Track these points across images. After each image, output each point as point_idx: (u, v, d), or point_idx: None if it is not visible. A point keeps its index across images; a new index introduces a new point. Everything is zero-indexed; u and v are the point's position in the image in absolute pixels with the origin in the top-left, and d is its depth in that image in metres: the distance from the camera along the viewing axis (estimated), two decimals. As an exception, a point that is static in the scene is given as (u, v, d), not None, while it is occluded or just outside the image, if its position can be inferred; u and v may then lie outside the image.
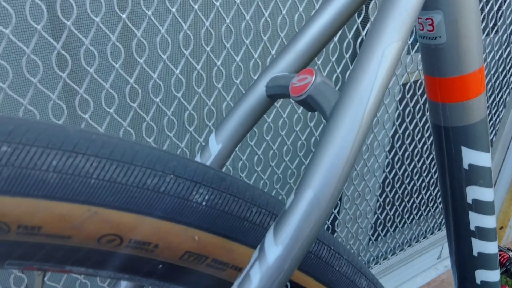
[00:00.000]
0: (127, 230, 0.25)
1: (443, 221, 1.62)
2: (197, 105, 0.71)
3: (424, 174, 1.34)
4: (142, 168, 0.25)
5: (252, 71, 0.73)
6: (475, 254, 0.43)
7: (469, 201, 0.40)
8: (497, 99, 1.41)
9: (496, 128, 1.54)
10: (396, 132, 1.12)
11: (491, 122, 1.48)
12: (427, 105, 1.13)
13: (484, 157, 0.38)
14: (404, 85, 1.06)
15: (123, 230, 0.25)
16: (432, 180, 1.40)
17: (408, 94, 1.07)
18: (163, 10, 0.61)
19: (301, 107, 0.87)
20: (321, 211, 0.25)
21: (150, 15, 0.57)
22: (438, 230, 1.62)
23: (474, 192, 0.40)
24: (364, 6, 0.81)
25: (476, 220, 0.41)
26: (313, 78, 0.30)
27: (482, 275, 0.44)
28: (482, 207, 0.40)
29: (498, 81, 1.35)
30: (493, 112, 1.44)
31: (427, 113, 1.15)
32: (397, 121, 1.10)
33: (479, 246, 0.42)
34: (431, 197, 1.46)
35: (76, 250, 0.26)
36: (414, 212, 1.44)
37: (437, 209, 1.55)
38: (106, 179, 0.24)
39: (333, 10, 0.34)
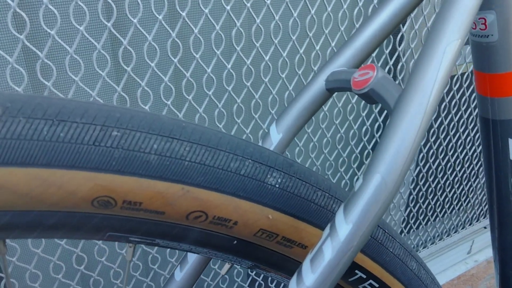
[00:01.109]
0: (213, 207, 0.28)
1: (474, 215, 1.62)
2: (263, 94, 0.75)
3: (458, 168, 1.35)
4: (225, 153, 0.28)
5: (313, 62, 0.76)
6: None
7: (515, 191, 0.42)
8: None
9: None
10: (431, 126, 1.13)
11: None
12: (468, 98, 1.14)
13: (531, 149, 0.40)
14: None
15: (209, 207, 0.28)
16: (465, 175, 1.40)
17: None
18: (219, 8, 0.64)
19: (355, 99, 0.89)
20: (387, 193, 0.27)
21: (207, 12, 0.60)
22: (469, 225, 1.62)
23: (520, 183, 0.41)
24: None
25: (521, 209, 0.43)
26: (375, 73, 0.32)
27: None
28: (527, 197, 0.42)
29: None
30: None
31: (463, 108, 1.16)
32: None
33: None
34: (463, 191, 1.46)
35: (166, 225, 0.29)
36: (446, 206, 1.44)
37: (469, 204, 1.55)
38: (197, 162, 0.27)
39: (392, 8, 0.36)
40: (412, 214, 1.33)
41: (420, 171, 1.21)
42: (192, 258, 0.42)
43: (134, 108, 0.28)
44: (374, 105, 0.95)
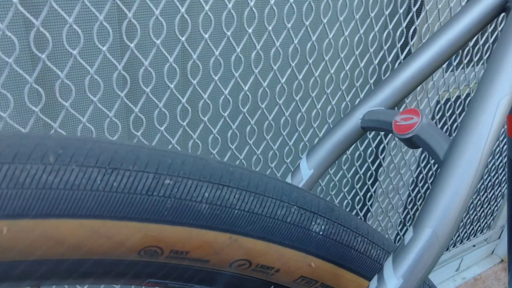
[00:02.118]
0: (257, 255, 0.27)
1: (465, 235, 1.63)
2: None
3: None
4: (273, 200, 0.27)
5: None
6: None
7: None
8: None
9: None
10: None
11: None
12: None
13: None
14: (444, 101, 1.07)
15: (254, 256, 0.27)
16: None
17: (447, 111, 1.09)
18: (240, 30, 0.63)
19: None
20: (439, 247, 0.26)
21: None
22: (460, 243, 1.63)
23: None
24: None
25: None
26: (420, 119, 0.31)
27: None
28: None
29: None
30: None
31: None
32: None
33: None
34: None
35: (207, 272, 0.28)
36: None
37: (461, 223, 1.55)
38: (246, 210, 0.26)
39: (435, 49, 0.35)
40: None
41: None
42: None
43: (182, 152, 0.27)
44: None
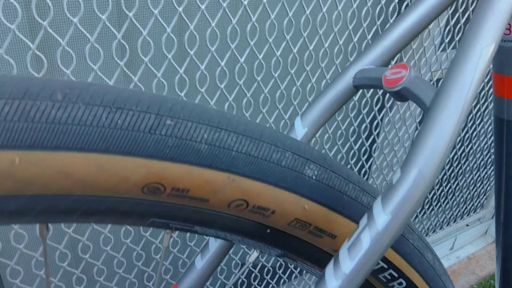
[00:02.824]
0: (254, 196, 0.29)
1: (459, 213, 1.66)
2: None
3: (447, 167, 1.37)
4: (268, 144, 0.29)
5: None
6: (524, 237, 0.46)
7: (524, 188, 0.43)
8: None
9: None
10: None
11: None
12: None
13: (543, 149, 0.41)
14: (437, 80, 1.09)
15: (251, 196, 0.29)
16: (453, 173, 1.42)
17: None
18: (235, 3, 0.64)
19: (357, 97, 0.91)
20: (425, 186, 0.28)
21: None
22: (454, 222, 1.65)
23: (529, 181, 0.43)
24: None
25: (529, 206, 0.44)
26: (408, 72, 0.33)
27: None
28: (536, 195, 0.43)
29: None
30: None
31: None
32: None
33: (529, 230, 0.46)
34: (450, 190, 1.48)
35: (207, 212, 0.29)
36: (434, 203, 1.47)
37: (455, 202, 1.58)
38: (243, 152, 0.28)
39: (423, 9, 0.37)
40: None
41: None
42: (214, 246, 0.42)
43: (181, 99, 0.28)
44: (374, 105, 0.96)
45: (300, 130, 0.41)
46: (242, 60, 0.65)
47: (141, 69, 0.56)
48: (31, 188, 0.23)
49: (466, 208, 1.66)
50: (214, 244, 0.42)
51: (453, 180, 1.45)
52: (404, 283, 0.39)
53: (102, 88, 0.25)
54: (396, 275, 0.38)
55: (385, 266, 0.37)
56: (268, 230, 0.32)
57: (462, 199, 1.60)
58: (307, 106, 0.41)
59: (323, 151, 0.93)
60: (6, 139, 0.22)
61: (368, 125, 0.96)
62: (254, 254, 0.39)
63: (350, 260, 0.28)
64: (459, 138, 1.30)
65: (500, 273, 0.52)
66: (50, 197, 0.24)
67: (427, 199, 1.41)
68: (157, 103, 0.26)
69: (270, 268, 1.01)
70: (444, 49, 1.03)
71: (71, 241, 0.72)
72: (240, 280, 1.03)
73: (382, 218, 0.28)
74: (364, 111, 0.91)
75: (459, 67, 0.30)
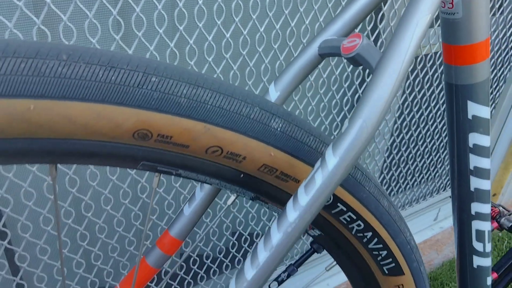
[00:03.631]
0: (228, 143, 0.34)
1: (441, 185, 1.72)
2: (256, 63, 0.80)
3: (428, 140, 1.42)
4: (239, 100, 0.34)
5: (303, 35, 0.81)
6: (472, 189, 0.52)
7: (471, 145, 0.49)
8: (498, 75, 1.48)
9: (496, 102, 1.61)
10: (406, 100, 1.20)
11: (492, 96, 1.55)
12: (435, 75, 1.21)
13: (485, 110, 0.47)
14: (415, 57, 1.13)
15: (225, 144, 0.34)
16: (434, 146, 1.48)
17: (419, 66, 1.15)
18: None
19: (338, 71, 0.95)
20: (367, 134, 0.33)
21: None
22: (437, 193, 1.71)
23: (474, 138, 0.48)
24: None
25: (475, 161, 0.49)
26: (361, 40, 0.38)
27: (476, 207, 0.53)
28: (480, 151, 0.49)
29: (500, 58, 1.41)
30: (493, 86, 1.51)
31: (435, 84, 1.23)
32: (407, 90, 1.18)
33: (475, 183, 0.51)
34: (432, 162, 1.54)
35: (188, 158, 0.35)
36: (417, 175, 1.53)
37: (437, 174, 1.64)
38: (217, 106, 0.33)
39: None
40: (385, 180, 1.41)
41: (394, 141, 1.29)
42: (199, 195, 0.48)
43: (165, 61, 0.33)
44: (355, 79, 1.01)
45: (273, 94, 0.46)
46: (228, 35, 0.70)
47: (135, 43, 0.61)
48: (43, 131, 0.28)
49: (449, 179, 1.72)
50: (200, 193, 0.48)
51: (435, 152, 1.51)
52: (362, 225, 0.44)
53: (99, 51, 0.30)
54: (354, 217, 0.44)
55: (344, 209, 0.43)
56: (242, 175, 0.38)
57: (444, 171, 1.66)
58: (280, 73, 0.46)
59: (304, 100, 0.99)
60: (22, 90, 0.27)
61: (350, 98, 1.01)
62: (231, 198, 0.44)
63: (306, 195, 0.34)
64: (439, 112, 1.35)
65: (457, 225, 0.58)
66: (57, 140, 0.30)
67: (410, 171, 1.47)
68: (144, 63, 0.31)
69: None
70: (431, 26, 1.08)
71: (75, 200, 0.77)
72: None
73: (331, 160, 0.33)
74: (346, 85, 0.96)
75: (399, 35, 0.35)
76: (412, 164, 1.46)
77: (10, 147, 0.29)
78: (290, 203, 0.34)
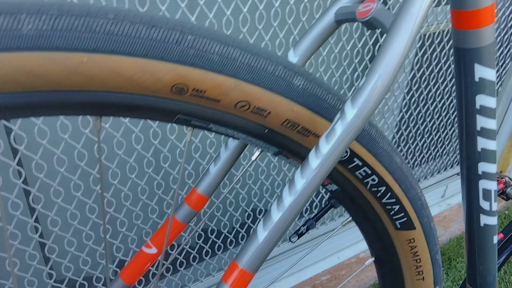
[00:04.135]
0: (255, 98, 0.37)
1: (449, 162, 1.74)
2: (271, 38, 0.83)
3: (436, 117, 1.45)
4: (265, 59, 0.37)
5: (316, 11, 0.83)
6: (479, 149, 0.54)
7: (477, 107, 0.51)
8: (505, 52, 1.49)
9: (502, 79, 1.62)
10: (414, 76, 1.22)
11: (498, 73, 1.57)
12: (443, 52, 1.22)
13: (491, 73, 0.49)
14: (424, 35, 1.15)
15: (252, 99, 0.37)
16: (442, 123, 1.50)
17: (427, 42, 1.16)
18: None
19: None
20: (383, 88, 0.36)
21: None
22: (444, 170, 1.74)
23: (481, 100, 0.51)
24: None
25: (482, 122, 0.52)
26: (375, 4, 0.41)
27: (483, 167, 0.56)
28: (487, 112, 0.51)
29: (506, 36, 1.42)
30: (500, 63, 1.52)
31: (442, 61, 1.24)
32: (416, 66, 1.20)
33: (482, 143, 0.54)
34: (440, 139, 1.56)
35: (219, 112, 0.38)
36: (425, 151, 1.55)
37: (445, 151, 1.66)
38: (245, 63, 0.36)
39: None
40: None
41: (402, 116, 1.31)
42: (224, 155, 0.51)
43: (196, 24, 0.36)
44: (365, 30, 1.01)
45: (292, 59, 0.49)
46: (245, 10, 0.72)
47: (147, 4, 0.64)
48: (93, 84, 0.32)
49: (456, 157, 1.74)
50: (224, 153, 0.51)
51: (442, 129, 1.53)
52: (376, 180, 0.48)
53: (141, 12, 0.33)
54: (369, 171, 0.47)
55: (360, 163, 0.46)
56: (266, 130, 0.41)
57: (452, 148, 1.69)
58: (298, 40, 0.49)
59: (317, 75, 1.01)
60: (76, 44, 0.30)
61: (360, 49, 1.03)
62: (256, 153, 0.48)
63: (327, 144, 0.37)
64: (447, 89, 1.37)
65: (466, 199, 0.60)
66: (105, 93, 0.33)
67: (418, 147, 1.50)
68: (181, 24, 0.34)
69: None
70: (438, 4, 1.09)
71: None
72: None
73: (350, 111, 0.36)
74: (356, 36, 0.98)
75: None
76: (420, 140, 1.48)
77: (65, 99, 0.32)
78: (312, 152, 0.37)
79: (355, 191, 0.49)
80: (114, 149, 0.76)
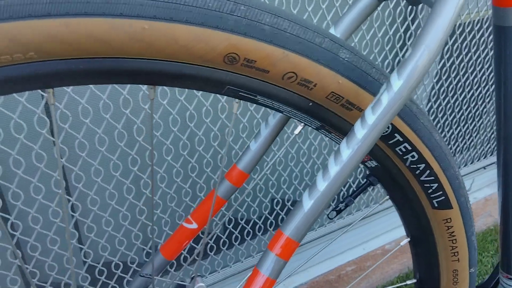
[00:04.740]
0: (302, 69, 0.38)
1: (476, 155, 1.72)
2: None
3: (464, 107, 1.43)
4: (312, 31, 0.38)
5: None
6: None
7: (519, 86, 0.51)
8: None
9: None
10: (444, 65, 1.21)
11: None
12: (473, 41, 1.21)
13: (533, 50, 0.49)
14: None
15: (300, 70, 0.38)
16: (470, 114, 1.48)
17: (457, 31, 1.15)
18: None
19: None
20: (429, 59, 0.36)
21: None
22: (471, 163, 1.72)
23: (523, 79, 0.50)
24: None
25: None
26: (420, -21, 0.41)
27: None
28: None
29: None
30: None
31: (472, 50, 1.23)
32: (446, 55, 1.19)
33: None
34: (468, 130, 1.54)
35: (267, 84, 0.38)
36: (452, 143, 1.53)
37: (472, 143, 1.64)
38: (294, 34, 0.36)
39: None
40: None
41: (431, 106, 1.30)
42: (264, 132, 0.52)
43: None
44: (408, 15, 1.00)
45: (334, 36, 0.49)
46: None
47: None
48: (150, 51, 0.33)
49: (483, 150, 1.72)
50: (264, 130, 0.52)
51: (471, 121, 1.51)
52: (416, 156, 0.48)
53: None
54: (409, 148, 0.47)
55: (401, 139, 0.46)
56: (311, 103, 0.41)
57: (479, 141, 1.66)
58: (340, 17, 0.49)
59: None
60: (138, 11, 0.31)
61: (402, 34, 1.02)
62: (299, 128, 0.48)
63: (373, 115, 0.37)
64: (476, 79, 1.35)
65: (502, 192, 0.60)
66: (162, 62, 0.34)
67: (446, 139, 1.48)
68: None
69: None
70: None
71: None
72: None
73: (396, 82, 0.37)
74: (399, 20, 0.98)
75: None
76: (448, 131, 1.46)
77: (127, 67, 0.33)
78: (358, 123, 0.38)
79: (394, 168, 0.49)
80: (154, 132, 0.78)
